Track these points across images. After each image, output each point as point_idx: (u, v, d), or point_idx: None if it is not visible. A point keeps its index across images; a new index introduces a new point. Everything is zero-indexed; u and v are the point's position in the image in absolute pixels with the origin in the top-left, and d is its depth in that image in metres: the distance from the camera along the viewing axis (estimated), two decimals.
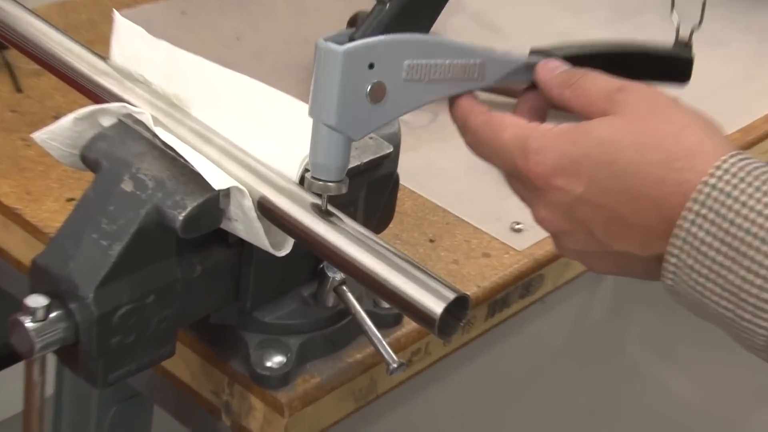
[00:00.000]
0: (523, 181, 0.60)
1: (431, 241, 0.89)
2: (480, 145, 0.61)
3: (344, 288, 0.74)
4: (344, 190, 0.60)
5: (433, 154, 1.01)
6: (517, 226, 0.93)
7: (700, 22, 0.64)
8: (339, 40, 0.56)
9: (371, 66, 0.56)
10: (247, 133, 0.69)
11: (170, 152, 0.67)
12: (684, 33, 0.65)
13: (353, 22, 1.11)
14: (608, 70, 0.60)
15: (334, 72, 0.56)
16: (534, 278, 0.92)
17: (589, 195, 0.57)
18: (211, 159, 0.67)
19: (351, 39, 0.57)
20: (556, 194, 0.58)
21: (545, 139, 0.58)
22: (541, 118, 0.63)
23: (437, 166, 0.99)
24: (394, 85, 0.57)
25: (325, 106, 0.57)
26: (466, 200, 0.95)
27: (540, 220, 0.60)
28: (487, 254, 0.89)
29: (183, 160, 0.66)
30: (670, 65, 0.65)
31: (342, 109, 0.56)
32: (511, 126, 0.59)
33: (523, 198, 0.62)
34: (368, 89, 0.57)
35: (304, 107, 0.59)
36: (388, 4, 0.57)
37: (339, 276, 0.73)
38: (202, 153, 0.67)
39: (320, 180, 0.59)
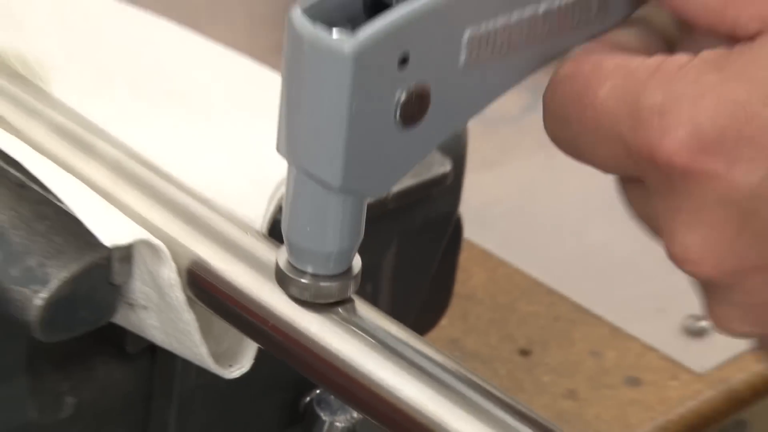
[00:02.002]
0: (644, 173, 0.61)
1: (524, 353, 0.92)
2: (562, 114, 0.62)
3: None
4: (353, 291, 0.63)
5: (533, 177, 1.03)
6: (697, 325, 0.94)
7: None
8: (332, 12, 0.58)
9: (404, 61, 0.57)
10: (169, 139, 0.71)
11: (14, 174, 0.70)
12: None
13: None
14: None
15: (336, 88, 0.57)
16: (728, 428, 0.93)
17: None
18: (96, 188, 0.70)
19: (370, 4, 0.58)
20: (713, 185, 0.58)
21: (677, 83, 0.58)
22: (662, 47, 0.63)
23: (540, 203, 1.02)
24: (445, 81, 0.59)
25: (319, 150, 0.59)
26: (595, 273, 0.98)
27: (686, 253, 0.60)
28: (637, 380, 0.91)
29: (40, 191, 0.69)
30: None
31: (351, 153, 0.58)
32: (615, 70, 0.60)
33: (648, 216, 0.62)
34: (399, 104, 0.58)
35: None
36: None
37: (341, 419, 0.76)
38: (80, 176, 0.70)
39: (307, 275, 0.63)
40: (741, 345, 0.95)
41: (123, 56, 0.73)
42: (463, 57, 0.59)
